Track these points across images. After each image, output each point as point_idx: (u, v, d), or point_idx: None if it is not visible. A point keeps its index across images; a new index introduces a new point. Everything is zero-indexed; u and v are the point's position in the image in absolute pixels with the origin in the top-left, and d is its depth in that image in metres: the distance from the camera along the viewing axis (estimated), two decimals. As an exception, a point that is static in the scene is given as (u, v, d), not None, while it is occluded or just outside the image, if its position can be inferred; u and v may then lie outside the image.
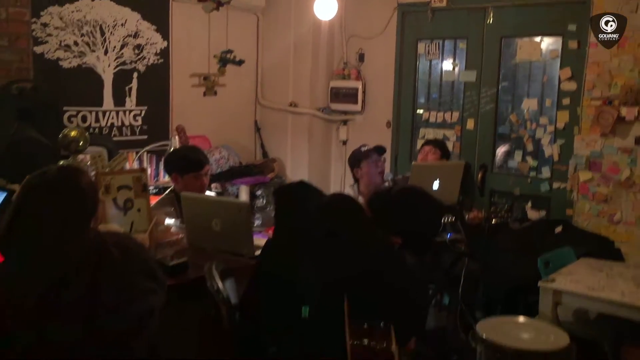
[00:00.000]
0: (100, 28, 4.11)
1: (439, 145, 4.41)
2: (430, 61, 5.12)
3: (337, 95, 5.54)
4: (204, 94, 4.98)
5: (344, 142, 5.67)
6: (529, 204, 4.59)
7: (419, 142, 5.06)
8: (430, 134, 5.09)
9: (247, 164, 5.50)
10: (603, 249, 3.81)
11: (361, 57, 5.47)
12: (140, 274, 1.66)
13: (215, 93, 5.08)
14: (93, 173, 2.38)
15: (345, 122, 5.66)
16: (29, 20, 3.54)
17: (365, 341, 1.66)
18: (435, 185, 3.33)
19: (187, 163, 3.17)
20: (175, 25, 4.62)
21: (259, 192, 5.29)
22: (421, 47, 5.10)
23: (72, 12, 3.93)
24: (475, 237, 4.37)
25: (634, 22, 3.91)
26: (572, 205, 4.33)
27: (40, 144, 3.09)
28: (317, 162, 5.64)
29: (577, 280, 3.27)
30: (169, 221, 2.60)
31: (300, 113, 5.57)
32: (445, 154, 4.40)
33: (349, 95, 5.46)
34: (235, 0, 4.76)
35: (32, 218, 1.55)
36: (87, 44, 4.04)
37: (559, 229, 4.12)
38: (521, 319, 2.38)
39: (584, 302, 3.17)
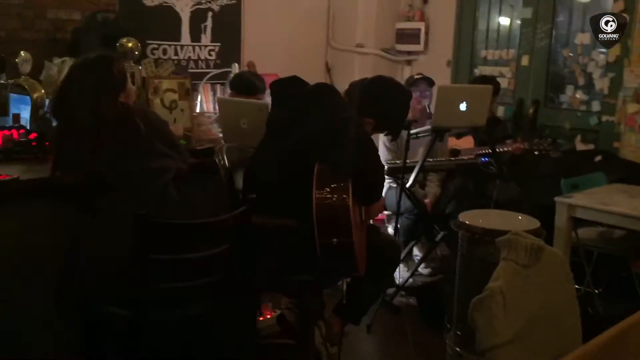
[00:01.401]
0: (178, -29, 4.67)
1: (487, 81, 4.58)
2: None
3: (402, 36, 5.80)
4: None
5: (408, 82, 5.94)
6: (579, 138, 4.68)
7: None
8: (486, 71, 5.24)
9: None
10: (637, 176, 3.89)
11: (425, -1, 5.68)
12: (158, 140, 2.16)
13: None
14: (144, 76, 2.92)
15: (409, 62, 5.92)
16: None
17: (328, 195, 2.07)
18: (462, 106, 3.57)
19: (242, 84, 3.67)
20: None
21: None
22: (481, -15, 5.23)
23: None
24: (516, 164, 4.57)
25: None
26: (619, 137, 4.38)
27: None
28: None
29: (595, 198, 3.44)
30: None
31: (366, 54, 5.89)
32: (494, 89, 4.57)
33: (413, 36, 5.70)
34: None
35: (75, 88, 2.08)
36: (166, -15, 4.62)
37: (599, 158, 4.23)
38: (505, 212, 2.66)
39: (595, 215, 3.36)
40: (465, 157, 4.13)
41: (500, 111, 5.15)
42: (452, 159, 4.07)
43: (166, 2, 4.67)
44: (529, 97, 4.95)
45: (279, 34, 5.63)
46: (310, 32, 5.97)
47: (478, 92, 3.77)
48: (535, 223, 2.47)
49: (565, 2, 4.73)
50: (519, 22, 5.02)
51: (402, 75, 5.97)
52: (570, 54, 4.71)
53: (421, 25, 5.64)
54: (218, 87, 5.04)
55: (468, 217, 2.53)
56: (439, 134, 3.63)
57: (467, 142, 4.56)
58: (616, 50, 4.38)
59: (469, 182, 4.23)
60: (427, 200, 4.15)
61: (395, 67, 6.00)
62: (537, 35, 4.85)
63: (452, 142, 4.57)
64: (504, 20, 5.18)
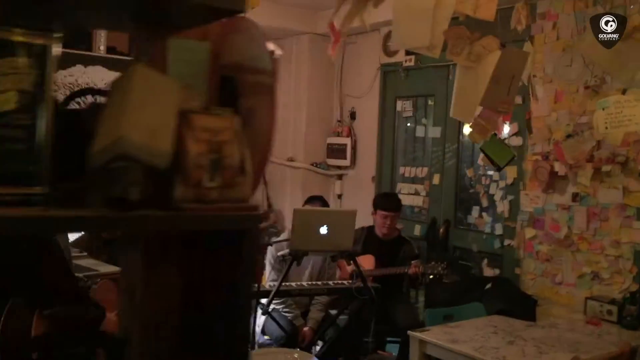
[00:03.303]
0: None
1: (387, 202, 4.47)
2: (407, 118, 5.25)
3: (332, 151, 5.82)
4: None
5: (339, 196, 5.88)
6: (485, 262, 4.47)
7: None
8: (405, 188, 5.16)
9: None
10: (519, 308, 3.65)
11: (353, 115, 5.73)
12: None
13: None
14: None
15: (340, 177, 5.88)
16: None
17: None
18: (323, 230, 3.47)
19: None
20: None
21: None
22: (399, 104, 5.26)
23: (65, 76, 4.70)
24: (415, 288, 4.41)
25: (568, 75, 3.83)
26: (519, 263, 4.17)
27: None
28: (313, 214, 5.88)
29: (451, 333, 3.21)
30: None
31: (297, 167, 5.91)
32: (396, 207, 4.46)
33: (341, 151, 5.71)
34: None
35: None
36: (78, 103, 4.77)
37: (488, 286, 4.00)
38: (295, 354, 2.49)
39: (445, 355, 3.11)
40: (344, 282, 3.96)
41: (417, 230, 5.01)
42: (331, 283, 3.91)
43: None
44: (442, 216, 4.81)
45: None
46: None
47: (340, 215, 3.68)
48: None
49: (469, 123, 4.70)
50: (430, 139, 4.98)
51: (334, 189, 5.93)
52: (473, 174, 4.61)
53: (347, 141, 5.65)
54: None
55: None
56: (296, 257, 3.50)
57: (368, 262, 4.41)
58: (513, 172, 4.26)
59: (365, 307, 4.00)
60: (305, 328, 3.96)
61: (327, 181, 5.98)
62: (446, 154, 4.79)
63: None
64: (419, 139, 5.16)
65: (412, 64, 4.98)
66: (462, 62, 2.11)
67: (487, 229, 4.48)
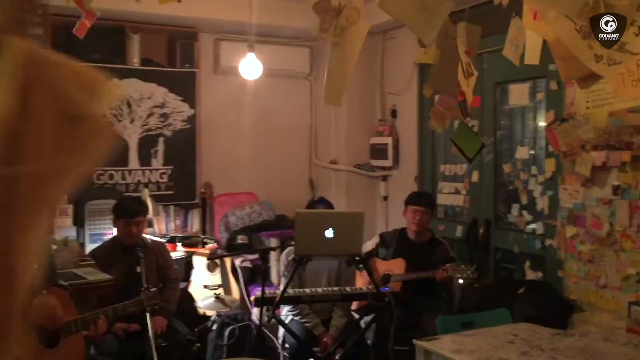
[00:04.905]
0: (128, 102, 4.96)
1: (417, 197, 4.25)
2: (445, 113, 4.94)
3: (376, 151, 5.61)
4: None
5: (385, 198, 5.65)
6: (528, 264, 4.10)
7: (439, 196, 4.88)
8: (445, 187, 4.87)
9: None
10: (551, 314, 3.28)
11: (394, 114, 5.50)
12: None
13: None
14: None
15: (384, 178, 5.66)
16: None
17: None
18: (329, 233, 3.30)
19: (121, 208, 3.75)
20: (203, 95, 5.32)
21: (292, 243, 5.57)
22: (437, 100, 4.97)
23: (100, 90, 4.83)
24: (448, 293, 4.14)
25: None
26: (562, 265, 3.77)
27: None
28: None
29: (461, 342, 2.94)
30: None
31: (340, 170, 5.75)
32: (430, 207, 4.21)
33: (383, 151, 5.49)
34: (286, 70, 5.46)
35: None
36: (114, 115, 4.91)
37: (521, 290, 3.65)
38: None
39: (447, 366, 2.84)
40: (362, 287, 3.76)
41: (459, 231, 4.70)
42: (348, 289, 3.71)
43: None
44: (482, 216, 4.48)
45: (250, 153, 5.71)
46: (293, 149, 5.99)
47: (347, 218, 3.48)
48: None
49: (505, 115, 4.35)
50: (469, 135, 4.66)
51: (379, 191, 5.71)
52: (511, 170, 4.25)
53: (389, 140, 5.42)
54: (171, 208, 5.18)
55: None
56: (300, 262, 3.35)
57: (398, 267, 4.18)
58: (551, 165, 3.88)
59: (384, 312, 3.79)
60: (325, 338, 3.80)
61: (372, 183, 5.77)
62: (483, 149, 4.45)
63: (384, 266, 4.22)
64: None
65: (446, 55, 4.69)
66: (330, 39, 1.88)
67: (528, 229, 4.10)
